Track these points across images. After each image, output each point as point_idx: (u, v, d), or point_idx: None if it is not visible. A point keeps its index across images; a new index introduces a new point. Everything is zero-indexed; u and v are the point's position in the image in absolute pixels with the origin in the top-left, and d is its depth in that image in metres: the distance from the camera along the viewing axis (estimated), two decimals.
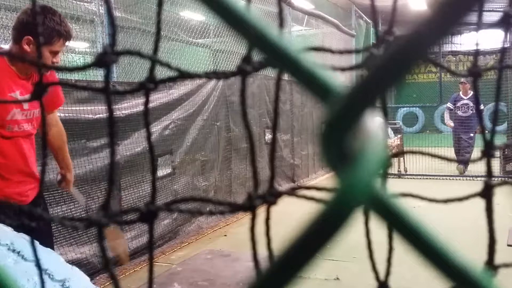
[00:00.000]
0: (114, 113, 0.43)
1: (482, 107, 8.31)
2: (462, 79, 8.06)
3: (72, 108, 3.37)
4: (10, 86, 2.13)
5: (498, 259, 0.47)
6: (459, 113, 8.21)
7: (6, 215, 1.78)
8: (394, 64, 0.24)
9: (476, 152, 8.02)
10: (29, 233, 1.38)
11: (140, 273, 3.70)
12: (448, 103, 8.58)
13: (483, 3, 0.49)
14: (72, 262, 2.50)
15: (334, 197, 0.23)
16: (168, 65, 0.44)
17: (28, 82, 2.22)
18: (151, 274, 0.47)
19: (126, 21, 4.43)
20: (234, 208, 0.44)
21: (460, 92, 8.36)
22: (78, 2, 3.94)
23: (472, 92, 8.05)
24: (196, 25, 5.34)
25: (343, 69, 0.50)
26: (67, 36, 2.19)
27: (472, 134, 8.01)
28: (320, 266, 3.41)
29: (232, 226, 5.04)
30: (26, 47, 2.11)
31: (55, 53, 2.18)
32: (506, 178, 6.84)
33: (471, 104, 8.08)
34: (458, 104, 8.24)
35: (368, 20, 10.31)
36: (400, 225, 0.27)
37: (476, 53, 0.54)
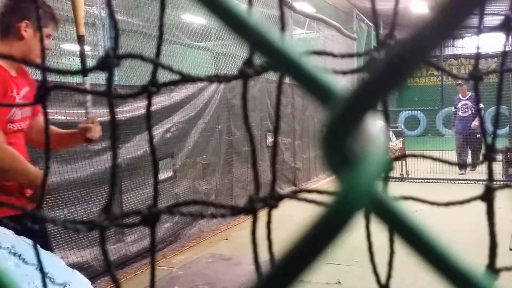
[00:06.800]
0: (116, 116, 0.43)
1: (481, 105, 8.43)
2: (459, 81, 8.30)
3: (73, 111, 3.38)
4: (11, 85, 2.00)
5: (500, 263, 0.47)
6: (459, 113, 8.58)
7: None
8: (396, 67, 0.24)
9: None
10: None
11: (141, 276, 3.69)
12: (453, 107, 8.94)
13: (484, 7, 0.49)
14: (73, 266, 2.50)
15: (335, 200, 0.23)
16: (170, 69, 0.44)
17: (17, 77, 2.07)
18: (153, 277, 0.47)
19: (127, 24, 4.44)
20: (236, 211, 0.44)
21: (460, 94, 8.76)
22: None
23: (470, 93, 8.33)
24: (198, 28, 5.35)
25: (344, 73, 0.50)
26: (57, 20, 2.14)
27: (478, 136, 8.07)
28: (322, 270, 3.40)
29: (233, 229, 5.04)
30: (24, 33, 1.98)
31: (47, 37, 2.10)
32: (508, 182, 6.83)
33: (469, 103, 8.46)
34: (459, 105, 8.64)
35: (370, 23, 10.32)
36: (402, 229, 0.27)
37: (477, 57, 0.54)
